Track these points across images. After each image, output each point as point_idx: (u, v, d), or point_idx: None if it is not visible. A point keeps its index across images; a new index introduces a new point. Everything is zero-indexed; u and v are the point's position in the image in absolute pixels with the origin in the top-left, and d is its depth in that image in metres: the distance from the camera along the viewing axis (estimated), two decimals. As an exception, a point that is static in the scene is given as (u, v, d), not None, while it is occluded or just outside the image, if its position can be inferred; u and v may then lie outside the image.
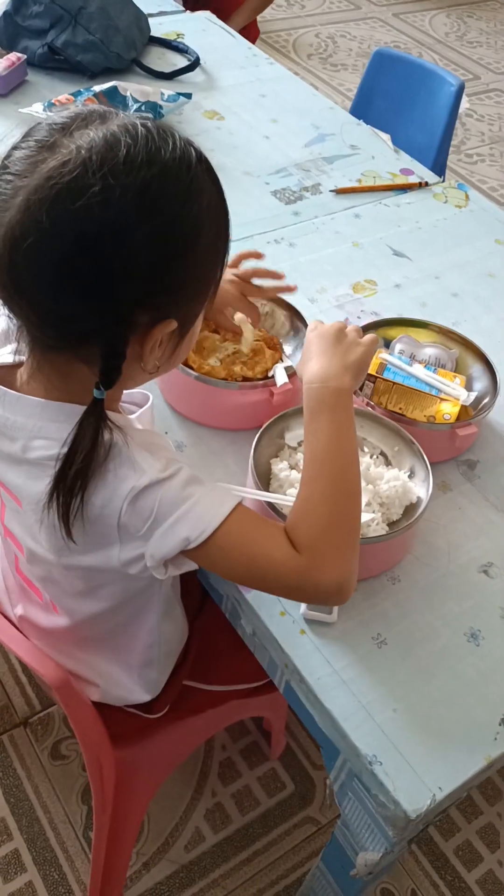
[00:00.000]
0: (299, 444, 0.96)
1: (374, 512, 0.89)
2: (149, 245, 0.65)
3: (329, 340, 0.87)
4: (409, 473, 0.94)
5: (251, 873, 1.31)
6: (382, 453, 0.98)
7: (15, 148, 0.67)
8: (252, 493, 0.87)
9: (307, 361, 0.86)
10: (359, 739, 0.78)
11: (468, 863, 1.36)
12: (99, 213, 0.62)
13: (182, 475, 0.73)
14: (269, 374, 1.04)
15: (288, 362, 1.06)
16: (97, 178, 0.62)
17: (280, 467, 0.93)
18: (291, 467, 0.94)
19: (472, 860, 1.36)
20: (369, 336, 0.89)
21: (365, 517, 0.87)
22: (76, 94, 1.54)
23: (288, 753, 1.45)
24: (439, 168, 2.05)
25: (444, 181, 1.58)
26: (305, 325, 1.09)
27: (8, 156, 0.67)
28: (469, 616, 0.89)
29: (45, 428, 0.74)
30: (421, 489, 0.92)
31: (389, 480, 0.92)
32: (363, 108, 2.18)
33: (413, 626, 0.88)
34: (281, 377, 1.00)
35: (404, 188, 1.54)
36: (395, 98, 2.15)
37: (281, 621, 0.86)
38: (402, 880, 1.33)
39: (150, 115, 0.72)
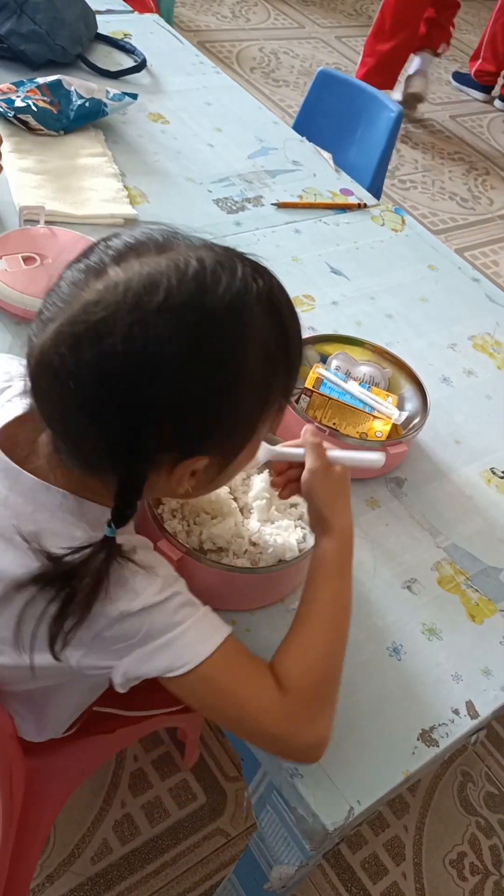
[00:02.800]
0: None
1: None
2: (172, 391, 0.61)
3: (335, 490, 0.80)
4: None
5: (158, 885, 1.29)
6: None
7: (70, 266, 0.64)
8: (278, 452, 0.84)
9: (322, 509, 0.79)
10: (281, 752, 0.78)
11: (374, 875, 1.38)
12: (121, 358, 0.59)
13: (177, 599, 0.70)
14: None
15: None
16: (126, 322, 0.59)
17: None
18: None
19: (378, 873, 1.38)
20: (344, 470, 0.82)
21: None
22: (18, 84, 1.51)
23: (201, 764, 1.44)
24: (375, 191, 2.09)
25: (380, 204, 1.61)
26: None
27: (62, 275, 0.64)
28: (392, 630, 0.91)
29: (54, 522, 0.69)
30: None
31: (279, 528, 0.88)
32: (305, 126, 2.21)
33: (337, 640, 0.88)
34: None
35: (343, 208, 1.57)
36: (336, 118, 2.18)
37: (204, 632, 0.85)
38: (309, 892, 1.33)
39: (219, 247, 0.66)
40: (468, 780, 1.49)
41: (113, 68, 1.73)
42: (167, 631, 0.68)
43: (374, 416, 1.05)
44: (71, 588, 0.66)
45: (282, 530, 0.89)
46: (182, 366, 0.61)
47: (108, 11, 1.96)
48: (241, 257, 0.66)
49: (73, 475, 0.69)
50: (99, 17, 1.84)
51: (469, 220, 3.17)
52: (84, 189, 1.38)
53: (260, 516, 0.89)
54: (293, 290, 1.33)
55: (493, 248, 3.04)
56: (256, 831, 0.87)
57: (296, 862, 0.81)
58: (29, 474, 0.69)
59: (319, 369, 1.09)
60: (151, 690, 1.08)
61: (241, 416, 0.67)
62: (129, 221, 1.36)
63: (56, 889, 1.26)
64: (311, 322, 1.28)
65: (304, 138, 1.75)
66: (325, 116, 2.21)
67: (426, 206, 3.17)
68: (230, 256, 0.64)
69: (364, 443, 1.02)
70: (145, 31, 1.95)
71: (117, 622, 0.67)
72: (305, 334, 1.19)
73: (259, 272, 0.65)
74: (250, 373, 0.64)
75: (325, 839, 0.75)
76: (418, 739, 0.82)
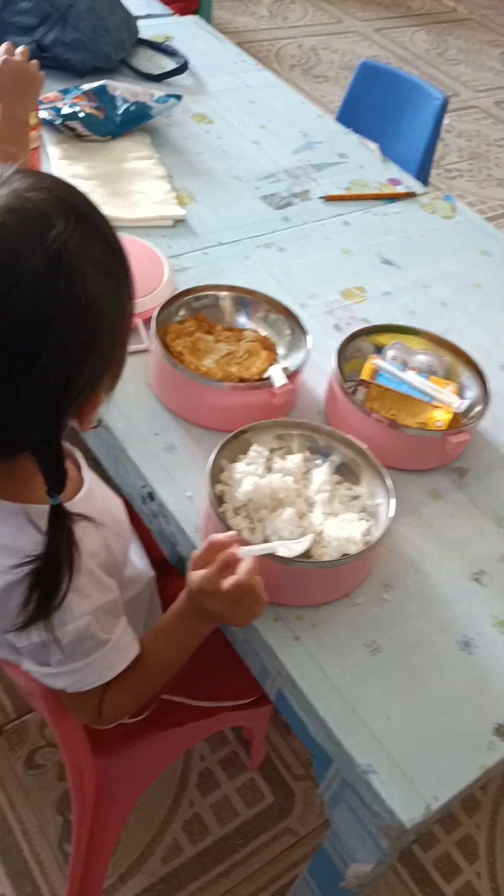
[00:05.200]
0: (272, 449, 0.94)
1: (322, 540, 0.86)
2: (50, 373, 0.61)
3: (236, 599, 0.78)
4: (375, 508, 0.90)
5: (230, 885, 1.29)
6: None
7: None
8: (255, 550, 0.81)
9: (213, 596, 0.78)
10: (353, 748, 0.77)
11: (447, 875, 1.35)
12: None
13: (96, 627, 0.76)
14: (265, 376, 1.03)
15: (283, 363, 1.05)
16: None
17: (238, 466, 0.91)
18: (248, 464, 0.91)
19: (452, 872, 1.35)
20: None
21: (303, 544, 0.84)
22: (64, 92, 1.53)
23: (267, 763, 1.43)
24: (422, 181, 2.06)
25: (429, 192, 1.59)
26: (301, 328, 1.08)
27: None
28: (461, 623, 0.89)
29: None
30: (381, 522, 0.88)
31: (343, 521, 0.88)
32: (348, 119, 2.19)
33: (405, 633, 0.87)
34: (279, 378, 0.99)
35: (392, 198, 1.54)
36: (379, 110, 2.16)
37: (274, 626, 0.85)
38: (382, 892, 1.31)
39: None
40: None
41: (156, 71, 1.74)
42: (79, 658, 0.76)
43: (434, 406, 1.03)
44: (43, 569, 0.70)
45: (345, 523, 0.87)
46: (42, 341, 0.60)
47: (149, 16, 1.97)
48: (23, 187, 0.61)
49: None
50: (139, 22, 1.85)
51: (518, 206, 3.11)
52: (133, 192, 1.38)
53: (323, 509, 0.88)
54: (343, 282, 1.32)
55: (545, 234, 2.97)
56: (330, 829, 0.86)
57: (372, 860, 0.80)
58: None
59: (375, 360, 1.07)
60: (220, 683, 1.09)
61: (115, 338, 0.68)
62: (178, 223, 1.36)
63: (129, 889, 1.26)
64: (364, 313, 1.26)
65: (349, 130, 1.73)
66: (368, 108, 2.19)
67: (474, 193, 3.12)
68: (14, 196, 0.60)
69: (425, 433, 1.00)
70: (186, 33, 1.95)
71: (40, 647, 0.75)
72: (358, 325, 1.18)
73: (48, 193, 0.62)
74: (101, 298, 0.63)
75: (402, 836, 0.74)
76: (494, 734, 0.80)
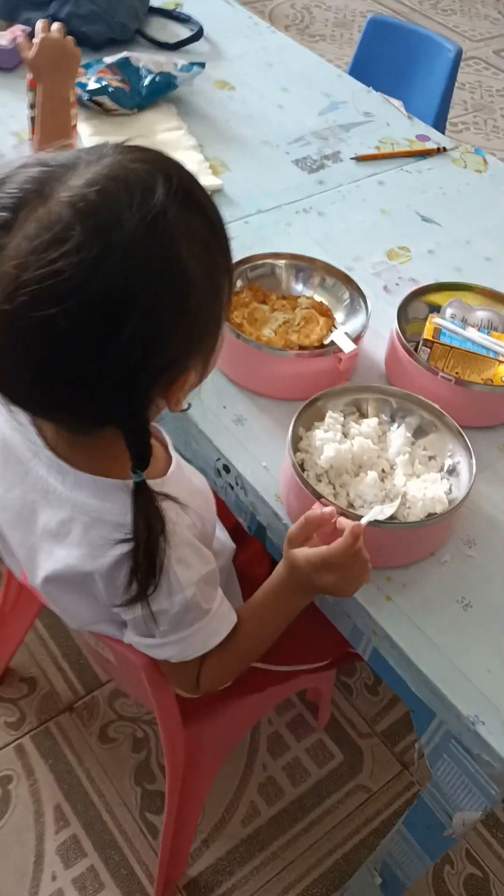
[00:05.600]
0: (344, 415, 0.95)
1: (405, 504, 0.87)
2: (137, 343, 0.59)
3: (340, 565, 0.78)
4: (453, 467, 0.91)
5: (309, 843, 1.32)
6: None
7: None
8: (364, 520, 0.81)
9: (323, 571, 0.79)
10: (458, 701, 0.78)
11: (519, 821, 1.38)
12: (70, 332, 0.57)
13: (200, 598, 0.77)
14: (326, 342, 1.03)
15: (343, 329, 1.05)
16: (56, 306, 0.56)
17: (316, 434, 0.91)
18: (326, 431, 0.91)
19: (523, 818, 1.39)
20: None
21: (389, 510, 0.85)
22: (86, 67, 1.50)
23: (333, 723, 1.46)
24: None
25: (459, 146, 1.57)
26: (359, 291, 1.08)
27: None
28: (549, 574, 0.90)
29: (103, 509, 0.73)
30: (463, 480, 0.89)
31: (426, 482, 0.88)
32: (360, 77, 2.16)
33: (494, 589, 0.88)
34: (346, 344, 0.99)
35: (423, 154, 1.53)
36: (391, 66, 2.12)
37: (365, 589, 0.86)
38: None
39: (92, 155, 0.60)
40: None
41: (171, 40, 1.71)
42: (184, 628, 0.78)
43: (500, 361, 1.03)
44: (137, 545, 0.70)
45: (429, 483, 0.88)
46: (130, 311, 0.58)
47: (156, -17, 1.94)
48: (126, 158, 0.60)
49: (91, 451, 0.73)
50: (149, -10, 1.82)
51: (528, 155, 3.07)
52: (167, 164, 1.37)
53: (405, 471, 0.89)
54: (386, 243, 1.32)
55: None
56: (431, 782, 0.88)
57: (480, 807, 0.82)
58: (79, 471, 0.73)
59: (436, 319, 1.07)
60: (298, 648, 1.10)
61: (206, 316, 0.66)
62: (215, 193, 1.35)
63: (213, 853, 1.29)
64: (411, 273, 1.26)
65: (370, 88, 1.71)
66: (379, 65, 2.15)
67: (482, 145, 3.08)
68: (117, 166, 0.59)
69: (493, 389, 1.00)
70: (195, -2, 1.92)
71: (147, 618, 0.76)
72: (410, 287, 1.17)
73: (153, 164, 0.61)
74: (195, 273, 0.62)
75: (515, 782, 0.76)
76: None
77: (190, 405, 0.74)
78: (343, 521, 0.79)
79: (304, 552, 0.79)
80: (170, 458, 0.81)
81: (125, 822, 1.31)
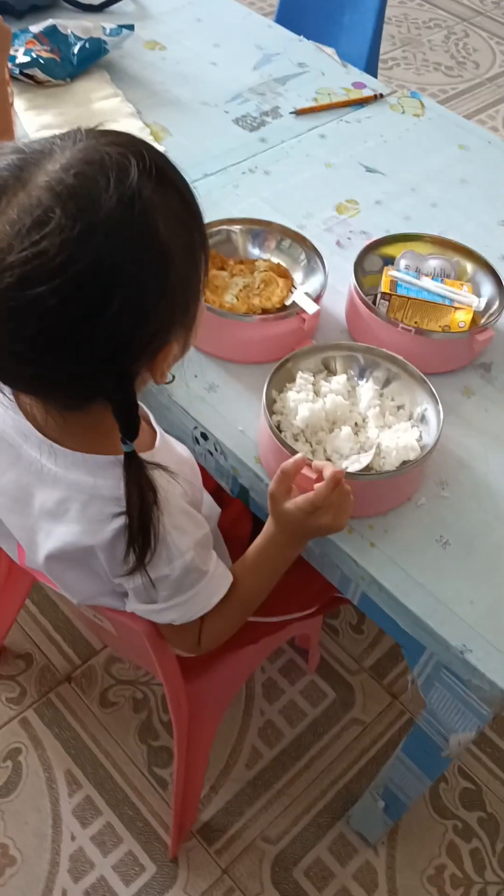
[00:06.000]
0: (314, 374, 0.98)
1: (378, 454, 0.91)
2: (123, 315, 0.62)
3: (324, 521, 0.84)
4: (421, 415, 0.95)
5: (311, 777, 1.40)
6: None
7: None
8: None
9: (316, 513, 0.83)
10: (446, 633, 0.84)
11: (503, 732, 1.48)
12: (58, 309, 0.60)
13: (197, 561, 0.81)
14: (288, 303, 1.06)
15: (304, 289, 1.08)
16: (43, 286, 0.58)
17: (290, 395, 0.95)
18: (298, 392, 0.95)
19: (507, 731, 1.48)
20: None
21: (365, 459, 0.90)
22: (13, 36, 1.47)
23: (323, 664, 1.53)
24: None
25: (396, 92, 1.59)
26: (315, 250, 1.11)
27: None
28: (517, 507, 0.96)
29: (98, 485, 0.76)
30: (432, 426, 0.93)
31: (397, 432, 0.93)
32: (288, 21, 2.14)
33: (469, 525, 0.93)
34: (309, 305, 1.02)
35: (361, 102, 1.54)
36: (318, 9, 2.11)
37: (350, 538, 0.91)
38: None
39: (68, 139, 0.62)
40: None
41: (95, 1, 1.68)
42: (185, 591, 0.82)
43: (455, 308, 1.07)
44: (131, 515, 0.74)
45: (400, 432, 0.93)
46: (115, 285, 0.61)
47: None
48: (99, 142, 0.63)
49: (80, 428, 0.75)
50: None
51: (459, 88, 3.08)
52: (109, 134, 1.36)
53: (376, 423, 0.93)
54: (335, 197, 1.34)
55: (490, 114, 2.97)
56: (426, 709, 0.94)
57: (473, 727, 0.89)
58: (71, 451, 0.76)
59: (391, 271, 1.10)
60: (287, 598, 1.15)
61: (187, 289, 0.69)
62: (160, 159, 1.35)
63: (221, 797, 1.36)
64: (361, 226, 1.28)
65: (301, 37, 1.70)
66: (305, 9, 2.14)
67: (413, 81, 3.08)
68: (91, 149, 0.62)
69: (452, 335, 1.04)
70: (114, -47, 1.87)
71: (149, 585, 0.80)
72: (362, 240, 1.20)
73: (125, 146, 0.63)
74: (173, 246, 0.64)
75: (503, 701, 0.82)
76: None
77: (174, 377, 0.77)
78: (318, 464, 0.83)
79: (293, 502, 0.83)
80: (154, 431, 0.84)
81: (135, 778, 1.37)
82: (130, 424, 0.70)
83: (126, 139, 0.64)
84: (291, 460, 0.85)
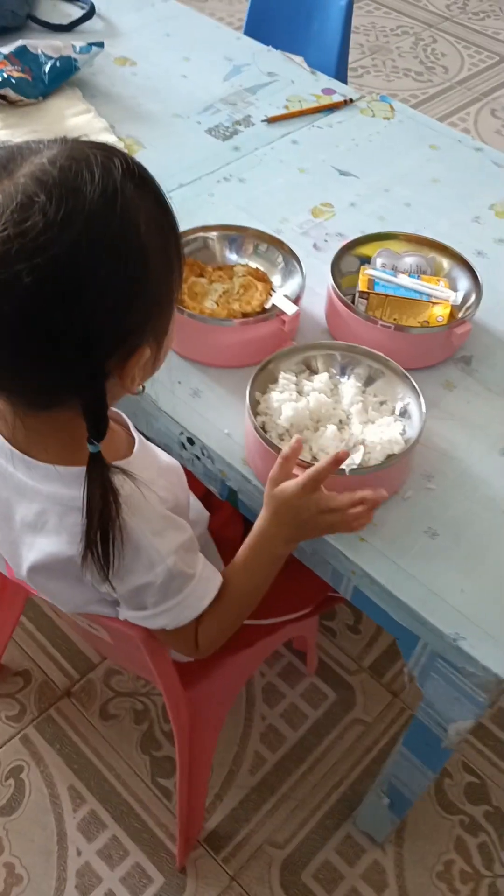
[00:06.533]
0: (297, 374, 0.99)
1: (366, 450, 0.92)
2: (98, 304, 0.63)
3: (318, 505, 0.85)
4: (403, 409, 0.97)
5: (316, 780, 1.40)
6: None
7: None
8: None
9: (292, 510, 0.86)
10: (439, 622, 0.85)
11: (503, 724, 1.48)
12: (34, 289, 0.60)
13: (181, 566, 0.81)
14: (267, 307, 1.07)
15: (283, 291, 1.09)
16: (22, 264, 0.59)
17: (273, 396, 0.96)
18: (281, 392, 0.96)
19: (507, 723, 1.48)
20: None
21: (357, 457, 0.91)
22: (-16, 60, 1.49)
23: (322, 666, 1.53)
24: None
25: (365, 96, 1.61)
26: (292, 253, 1.12)
27: None
28: (502, 497, 0.97)
29: (73, 497, 0.75)
30: (415, 420, 0.95)
31: (381, 426, 0.94)
32: (256, 34, 2.17)
33: (456, 515, 0.94)
34: (289, 307, 1.03)
35: (331, 108, 1.56)
36: (285, 20, 2.14)
37: (339, 534, 0.91)
38: (452, 755, 1.43)
39: (57, 141, 0.65)
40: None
41: (64, 21, 1.70)
42: (173, 596, 0.82)
43: (433, 303, 1.09)
44: (91, 517, 0.73)
45: (384, 427, 0.94)
46: (92, 277, 0.62)
47: (39, -37, 1.90)
48: (83, 143, 0.65)
49: (49, 437, 0.75)
50: (33, -29, 1.79)
51: (429, 92, 3.12)
52: (83, 150, 1.38)
53: (360, 419, 0.94)
54: (309, 201, 1.35)
55: (462, 116, 3.00)
56: (423, 700, 0.95)
57: (471, 715, 0.89)
58: (44, 463, 0.76)
59: (368, 270, 1.12)
60: (281, 599, 1.16)
61: (160, 293, 0.69)
62: (135, 171, 1.37)
63: (227, 804, 1.36)
64: (337, 228, 1.30)
65: (270, 47, 1.73)
66: (273, 20, 2.16)
67: (383, 88, 3.12)
68: (76, 149, 0.64)
69: (430, 330, 1.06)
70: (80, -26, 1.89)
71: (135, 593, 0.81)
72: (338, 242, 1.21)
73: (108, 150, 0.65)
74: (150, 247, 0.66)
75: (499, 686, 0.83)
76: None
77: (144, 388, 0.77)
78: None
79: (293, 480, 0.84)
80: (133, 439, 0.85)
81: (139, 789, 1.37)
82: (98, 425, 0.70)
83: (109, 146, 0.66)
84: (289, 446, 0.86)
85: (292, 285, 1.10)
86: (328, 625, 1.58)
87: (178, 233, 0.71)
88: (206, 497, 1.14)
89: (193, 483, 1.07)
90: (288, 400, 0.94)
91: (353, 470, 0.88)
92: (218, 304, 1.08)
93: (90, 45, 1.54)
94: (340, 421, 0.95)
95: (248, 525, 0.96)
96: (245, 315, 1.07)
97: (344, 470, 0.88)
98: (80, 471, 0.75)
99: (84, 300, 0.62)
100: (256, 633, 1.16)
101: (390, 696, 1.50)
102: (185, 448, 1.04)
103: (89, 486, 0.72)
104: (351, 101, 1.58)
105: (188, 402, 1.04)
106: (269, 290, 1.11)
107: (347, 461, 0.87)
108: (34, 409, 0.72)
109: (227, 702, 1.24)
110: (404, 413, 0.97)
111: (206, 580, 0.86)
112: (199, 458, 1.03)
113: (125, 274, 0.64)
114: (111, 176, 0.62)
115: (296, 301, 1.06)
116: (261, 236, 1.14)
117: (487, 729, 1.47)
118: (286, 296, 1.06)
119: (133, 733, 1.43)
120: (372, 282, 1.10)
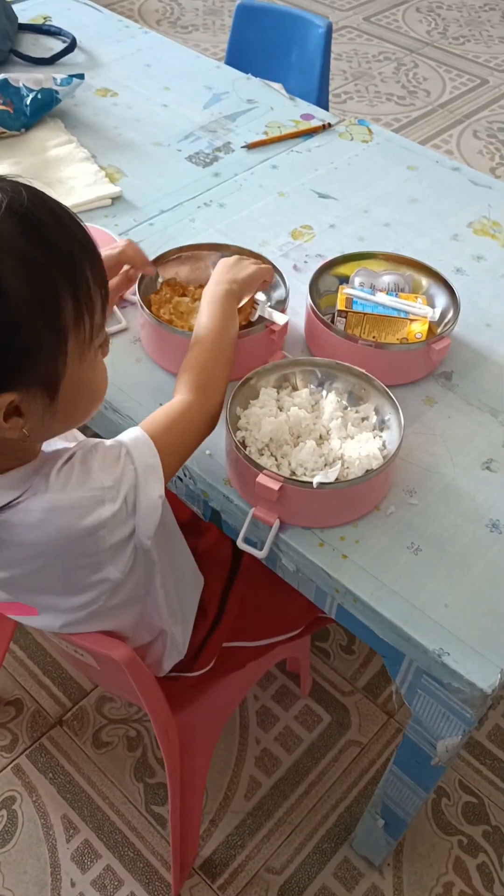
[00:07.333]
0: (277, 390, 1.00)
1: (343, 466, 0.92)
2: None
3: (228, 263, 1.03)
4: (383, 423, 0.97)
5: (312, 803, 1.38)
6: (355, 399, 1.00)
7: None
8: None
9: (213, 277, 1.00)
10: (423, 638, 0.84)
11: (502, 744, 1.46)
12: None
13: (114, 470, 0.76)
14: (253, 319, 1.08)
15: (267, 304, 1.09)
16: None
17: (253, 411, 0.96)
18: (262, 407, 0.97)
19: (504, 741, 1.47)
20: (262, 266, 1.06)
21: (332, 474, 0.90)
22: (-33, 94, 1.51)
23: (316, 688, 1.52)
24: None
25: (344, 120, 1.63)
26: (275, 268, 1.13)
27: None
28: (485, 509, 0.97)
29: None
30: (394, 432, 0.95)
31: (360, 442, 0.94)
32: (237, 64, 2.20)
33: (439, 529, 0.94)
34: (279, 316, 1.04)
35: (310, 133, 1.58)
36: (265, 49, 2.17)
37: (322, 551, 0.91)
38: (449, 774, 1.42)
39: None
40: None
41: (46, 55, 1.73)
42: (136, 483, 0.77)
43: (411, 320, 1.09)
44: None
45: (363, 443, 0.94)
46: None
47: (22, -1, 1.94)
48: None
49: None
50: (15, 7, 1.83)
51: (412, 116, 3.16)
52: (64, 179, 1.40)
53: (339, 434, 0.94)
54: (289, 224, 1.37)
55: (444, 138, 3.04)
56: (411, 718, 0.94)
57: (459, 732, 0.88)
58: None
59: (346, 289, 1.13)
60: (270, 621, 1.16)
61: (31, 341, 0.65)
62: (116, 200, 1.38)
63: (222, 830, 1.34)
64: (317, 249, 1.31)
65: (249, 75, 1.75)
66: (254, 49, 2.20)
67: (367, 113, 3.16)
68: None
69: (409, 347, 1.06)
70: (62, 8, 1.93)
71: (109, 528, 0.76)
72: (317, 263, 1.23)
73: (7, 184, 0.64)
74: (18, 294, 0.62)
75: (484, 702, 0.82)
76: (539, 596, 0.88)
77: (27, 434, 0.70)
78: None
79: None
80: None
81: (133, 818, 1.35)
82: None
83: (15, 182, 0.66)
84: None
85: (276, 297, 1.11)
86: (321, 646, 1.57)
87: (75, 272, 0.67)
88: (192, 520, 1.15)
89: (178, 506, 1.08)
90: (268, 415, 0.95)
91: (332, 484, 0.89)
92: (203, 323, 1.08)
93: (71, 76, 1.56)
94: (321, 436, 0.96)
95: (235, 547, 0.95)
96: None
97: (313, 484, 0.88)
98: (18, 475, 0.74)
99: None
100: (246, 655, 1.15)
101: (385, 716, 1.49)
102: (167, 470, 1.04)
103: None
104: (329, 125, 1.60)
105: (170, 424, 1.04)
106: (253, 303, 1.12)
107: (320, 477, 0.88)
108: None
109: (218, 725, 1.23)
110: (384, 428, 0.97)
111: (133, 458, 0.79)
112: (181, 479, 1.03)
113: None
114: None
115: (282, 310, 1.07)
116: (241, 252, 1.15)
117: (484, 747, 1.46)
118: (272, 306, 1.07)
119: (126, 760, 1.41)
120: (350, 300, 1.11)
